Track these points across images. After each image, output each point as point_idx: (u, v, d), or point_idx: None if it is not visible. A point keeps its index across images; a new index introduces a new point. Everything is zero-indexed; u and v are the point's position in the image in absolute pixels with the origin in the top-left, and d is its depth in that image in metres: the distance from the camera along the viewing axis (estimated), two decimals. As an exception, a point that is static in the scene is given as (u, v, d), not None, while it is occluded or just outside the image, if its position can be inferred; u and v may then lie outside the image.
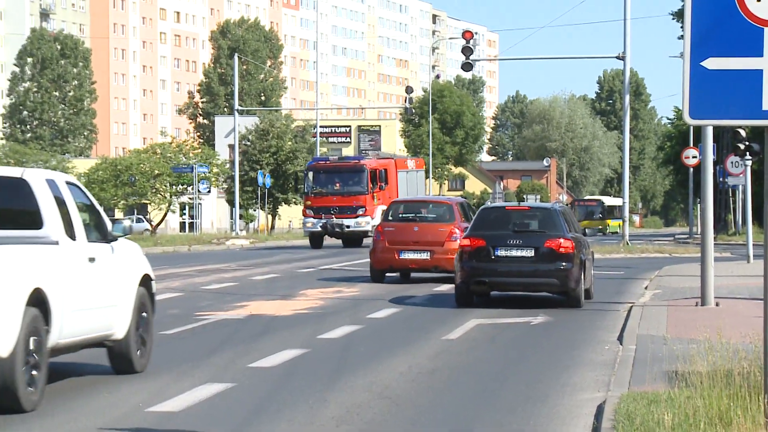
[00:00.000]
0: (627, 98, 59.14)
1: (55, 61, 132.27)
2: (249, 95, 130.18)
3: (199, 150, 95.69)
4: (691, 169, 69.31)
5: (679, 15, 77.77)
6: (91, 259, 14.04)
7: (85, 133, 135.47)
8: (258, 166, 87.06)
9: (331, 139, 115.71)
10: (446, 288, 30.01)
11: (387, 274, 32.01)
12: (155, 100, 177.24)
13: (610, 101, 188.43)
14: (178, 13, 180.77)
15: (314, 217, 55.60)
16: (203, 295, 27.78)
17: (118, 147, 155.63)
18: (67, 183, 14.28)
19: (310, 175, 57.32)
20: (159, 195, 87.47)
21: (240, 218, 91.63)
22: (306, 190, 57.66)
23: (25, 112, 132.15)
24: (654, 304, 23.74)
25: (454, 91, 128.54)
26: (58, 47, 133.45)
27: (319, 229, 55.30)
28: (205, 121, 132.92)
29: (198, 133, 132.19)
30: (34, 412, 12.10)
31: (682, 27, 55.35)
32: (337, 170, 56.67)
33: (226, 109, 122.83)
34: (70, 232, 13.66)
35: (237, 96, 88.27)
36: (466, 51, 52.66)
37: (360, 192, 55.28)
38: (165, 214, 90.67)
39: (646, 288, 29.19)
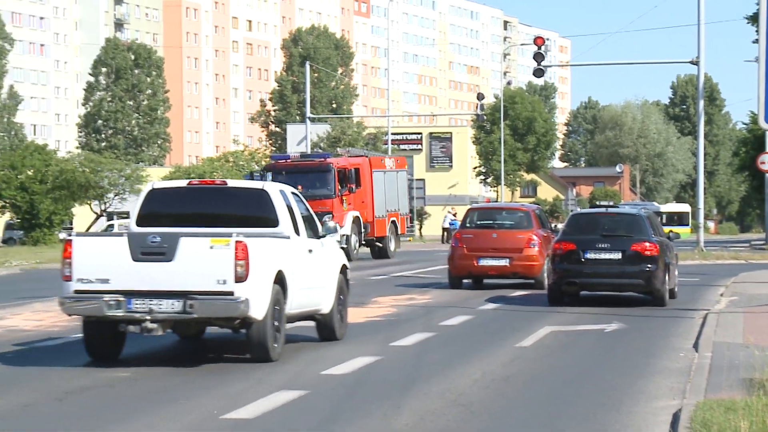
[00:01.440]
0: (701, 103, 57.90)
1: (129, 70, 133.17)
2: (320, 103, 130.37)
3: (269, 158, 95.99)
4: (767, 175, 68.55)
5: (754, 19, 76.88)
6: (310, 251, 18.57)
7: (159, 142, 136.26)
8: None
9: (402, 146, 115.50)
10: (519, 294, 29.98)
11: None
12: (228, 109, 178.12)
13: (684, 106, 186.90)
14: (250, 21, 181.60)
15: None
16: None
17: (191, 155, 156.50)
18: (292, 193, 18.89)
19: (269, 176, 46.43)
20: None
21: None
22: None
23: (100, 122, 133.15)
24: (730, 311, 23.54)
25: (525, 97, 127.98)
26: (132, 57, 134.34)
27: None
28: (278, 129, 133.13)
29: (270, 141, 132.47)
30: (139, 424, 12.21)
31: (757, 31, 54.69)
32: (298, 170, 47.27)
33: (298, 117, 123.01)
34: (296, 230, 18.15)
35: (309, 104, 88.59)
36: (538, 57, 51.55)
37: (326, 195, 46.62)
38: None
39: (721, 295, 28.84)
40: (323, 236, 19.30)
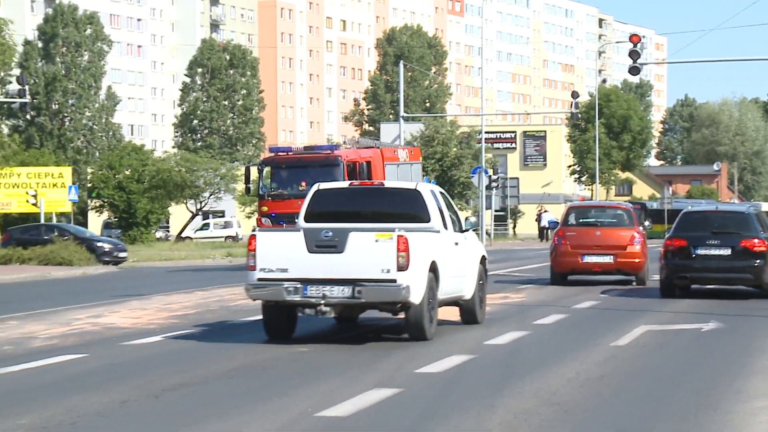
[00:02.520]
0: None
1: (225, 70, 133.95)
2: (414, 102, 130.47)
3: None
4: None
5: None
6: (456, 243, 20.82)
7: (253, 141, 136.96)
8: (424, 172, 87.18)
9: (496, 145, 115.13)
10: (614, 294, 29.83)
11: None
12: (322, 108, 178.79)
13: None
14: (344, 21, 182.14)
15: (272, 228, 38.00)
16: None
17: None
18: (440, 192, 21.28)
19: (267, 171, 42.35)
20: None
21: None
22: (260, 192, 41.75)
23: (196, 122, 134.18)
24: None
25: (621, 95, 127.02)
26: (227, 57, 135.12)
27: None
28: (371, 128, 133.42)
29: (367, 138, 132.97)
30: (234, 422, 12.27)
31: None
32: (302, 164, 41.20)
33: (391, 116, 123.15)
34: (445, 225, 20.35)
35: (402, 103, 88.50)
36: (634, 55, 50.56)
37: None
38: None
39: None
40: (466, 230, 21.73)
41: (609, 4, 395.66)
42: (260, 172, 41.67)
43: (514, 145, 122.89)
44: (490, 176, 74.51)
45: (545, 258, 39.51)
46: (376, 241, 18.50)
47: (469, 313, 21.69)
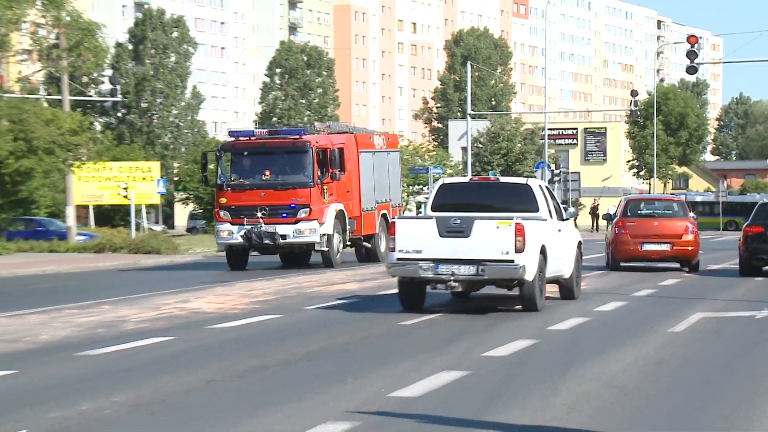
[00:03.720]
0: None
1: (302, 70, 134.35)
2: (480, 100, 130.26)
3: (434, 152, 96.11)
4: None
5: None
6: (559, 230, 22.98)
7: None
8: (489, 167, 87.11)
9: (558, 141, 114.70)
10: (671, 282, 29.73)
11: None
12: (393, 106, 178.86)
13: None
14: (414, 24, 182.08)
15: (232, 222, 33.76)
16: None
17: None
18: (545, 186, 23.77)
19: (227, 158, 34.96)
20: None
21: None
22: (219, 181, 34.55)
23: (275, 119, 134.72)
24: None
25: (678, 93, 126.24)
26: (305, 58, 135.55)
27: (239, 240, 33.66)
28: (440, 125, 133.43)
29: (433, 137, 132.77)
30: (311, 402, 12.34)
31: None
32: (266, 151, 34.33)
33: (459, 114, 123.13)
34: (550, 214, 22.50)
35: (469, 101, 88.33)
36: (691, 55, 50.17)
37: (302, 183, 33.58)
38: (402, 212, 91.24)
39: None
40: (567, 219, 24.14)
41: (667, 7, 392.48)
42: (218, 158, 34.44)
43: (575, 141, 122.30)
44: (552, 171, 74.20)
45: (601, 248, 39.58)
46: (497, 227, 20.49)
47: (568, 289, 23.93)
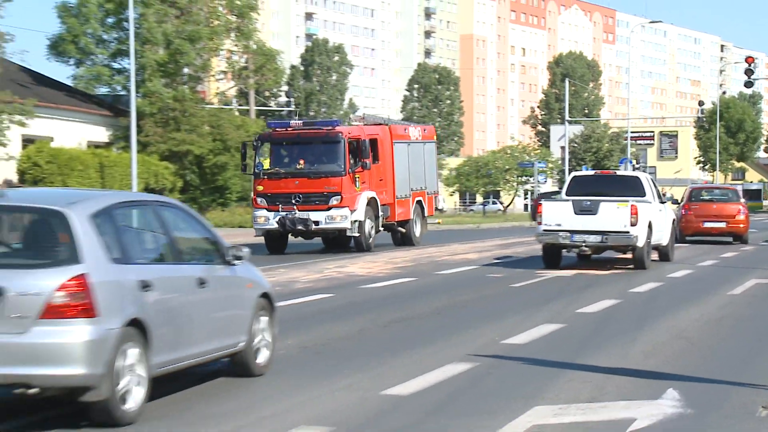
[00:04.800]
0: None
1: (434, 86, 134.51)
2: (576, 109, 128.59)
3: (538, 151, 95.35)
4: None
5: None
6: (659, 210, 24.38)
7: (455, 139, 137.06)
8: (582, 162, 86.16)
9: (638, 142, 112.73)
10: (730, 255, 29.21)
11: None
12: (505, 114, 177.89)
13: None
14: (523, 49, 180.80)
15: (268, 209, 28.96)
16: (537, 257, 27.65)
17: (478, 149, 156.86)
18: (650, 178, 25.28)
19: (264, 147, 30.28)
20: (509, 184, 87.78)
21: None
22: (256, 170, 29.51)
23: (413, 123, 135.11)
24: None
25: (737, 103, 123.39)
26: (436, 76, 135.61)
27: (275, 225, 28.86)
28: (543, 129, 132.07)
29: (538, 138, 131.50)
30: (440, 346, 12.32)
31: None
32: (300, 141, 29.32)
33: (558, 120, 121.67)
34: (654, 199, 24.24)
35: (567, 110, 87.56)
36: (748, 72, 49.05)
37: (333, 172, 28.51)
38: (513, 198, 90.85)
39: None
40: (665, 202, 25.67)
41: (730, 33, 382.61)
42: (256, 148, 29.62)
43: (652, 141, 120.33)
44: (633, 165, 73.08)
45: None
46: (617, 207, 22.42)
47: (665, 254, 25.57)
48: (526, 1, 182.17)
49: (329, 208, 28.37)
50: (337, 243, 31.03)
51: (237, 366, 9.97)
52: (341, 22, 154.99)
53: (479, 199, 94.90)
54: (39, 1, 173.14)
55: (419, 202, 32.95)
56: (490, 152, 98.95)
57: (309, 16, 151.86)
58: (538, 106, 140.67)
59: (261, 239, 29.62)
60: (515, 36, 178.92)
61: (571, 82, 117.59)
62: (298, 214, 28.34)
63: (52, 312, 7.57)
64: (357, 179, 28.73)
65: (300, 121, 29.80)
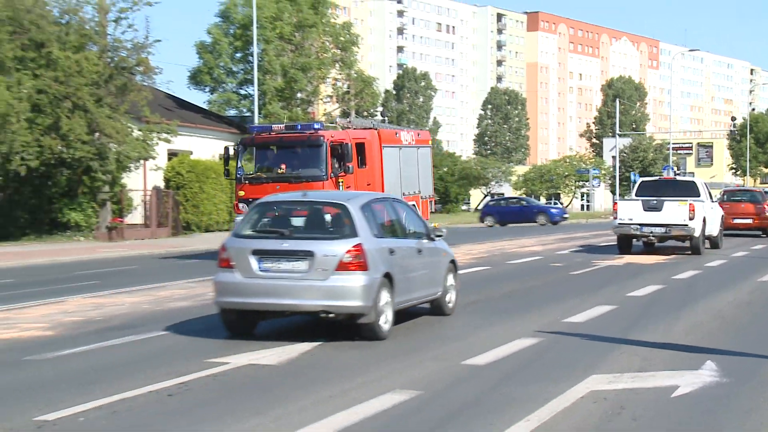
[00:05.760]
0: None
1: (504, 106, 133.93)
2: (625, 124, 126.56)
3: (593, 159, 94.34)
4: None
5: None
6: (711, 208, 25.22)
7: (522, 150, 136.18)
8: (630, 169, 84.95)
9: (678, 151, 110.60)
10: (760, 247, 28.55)
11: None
12: (565, 129, 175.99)
13: None
14: (580, 74, 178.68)
15: None
16: (597, 249, 27.33)
17: (542, 158, 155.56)
18: (704, 182, 25.95)
19: (247, 152, 24.76)
20: (568, 188, 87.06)
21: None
22: (238, 175, 24.00)
23: (486, 138, 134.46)
24: None
25: (765, 118, 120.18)
26: (506, 98, 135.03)
27: None
28: (597, 141, 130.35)
29: (592, 149, 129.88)
30: (510, 324, 12.23)
31: None
32: (282, 145, 23.69)
33: (610, 134, 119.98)
34: (707, 199, 25.39)
35: (617, 125, 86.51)
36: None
37: (315, 177, 23.07)
38: (571, 200, 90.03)
39: None
40: (714, 202, 26.52)
41: (758, 59, 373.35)
42: (238, 153, 24.00)
43: (691, 151, 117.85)
44: (674, 171, 71.77)
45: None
46: (679, 205, 23.59)
47: (715, 243, 26.00)
48: (583, 34, 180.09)
49: None
50: None
51: (434, 308, 12.52)
52: (427, 53, 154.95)
53: (542, 200, 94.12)
54: (181, 41, 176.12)
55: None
56: (552, 161, 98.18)
57: (400, 49, 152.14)
58: (593, 122, 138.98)
59: None
60: (573, 63, 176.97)
61: (621, 102, 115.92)
62: None
63: (342, 267, 10.16)
64: (340, 184, 23.13)
65: (282, 125, 24.09)
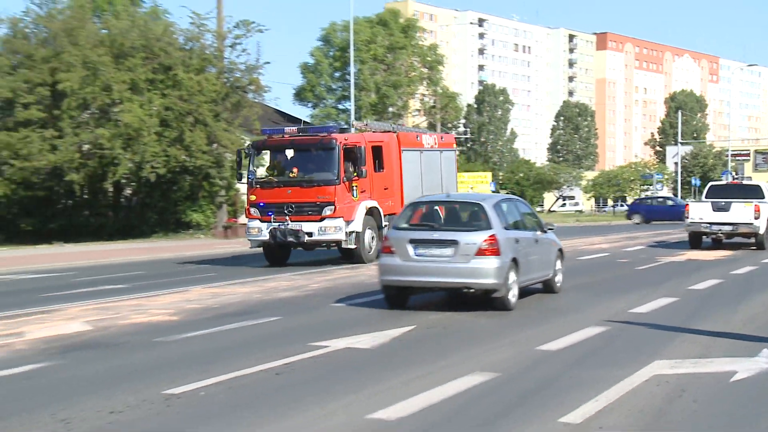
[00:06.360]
0: None
1: (575, 118, 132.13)
2: (686, 133, 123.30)
3: (656, 165, 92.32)
4: None
5: None
6: None
7: (591, 157, 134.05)
8: (692, 174, 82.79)
9: (737, 158, 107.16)
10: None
11: None
12: (630, 138, 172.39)
13: None
14: (645, 88, 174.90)
15: (261, 219, 20.34)
16: (661, 246, 26.67)
17: (609, 164, 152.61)
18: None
19: (259, 155, 21.69)
20: (633, 191, 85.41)
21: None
22: (249, 179, 20.62)
23: (558, 146, 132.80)
24: None
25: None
26: (577, 110, 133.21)
27: (266, 237, 20.21)
28: (660, 149, 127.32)
29: (656, 156, 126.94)
30: (583, 314, 12.05)
31: None
32: (294, 148, 20.57)
33: (673, 142, 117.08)
34: None
35: (680, 134, 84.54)
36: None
37: (327, 181, 19.91)
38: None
39: None
40: None
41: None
42: (250, 156, 20.74)
43: (748, 158, 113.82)
44: (733, 176, 69.60)
45: None
46: (745, 206, 23.55)
47: (761, 244, 24.49)
48: (647, 52, 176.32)
49: (322, 219, 19.72)
50: (345, 253, 21.27)
51: (546, 287, 13.84)
52: (505, 71, 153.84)
53: (610, 202, 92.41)
54: (286, 62, 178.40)
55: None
56: (619, 167, 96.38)
57: (481, 67, 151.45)
58: (657, 132, 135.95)
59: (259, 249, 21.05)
60: (638, 79, 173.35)
61: (683, 113, 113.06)
62: (290, 225, 19.73)
63: (480, 252, 11.53)
64: (354, 188, 20.04)
65: (294, 128, 20.86)
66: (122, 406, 6.66)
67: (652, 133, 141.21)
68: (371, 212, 20.65)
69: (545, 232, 13.54)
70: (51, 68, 31.54)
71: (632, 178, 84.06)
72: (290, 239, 19.71)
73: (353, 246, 19.99)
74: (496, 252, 11.49)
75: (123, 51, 32.86)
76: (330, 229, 19.69)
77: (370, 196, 20.63)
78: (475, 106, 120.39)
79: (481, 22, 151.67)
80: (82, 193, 33.98)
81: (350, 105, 43.16)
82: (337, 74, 58.46)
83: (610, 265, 20.13)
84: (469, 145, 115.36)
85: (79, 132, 31.58)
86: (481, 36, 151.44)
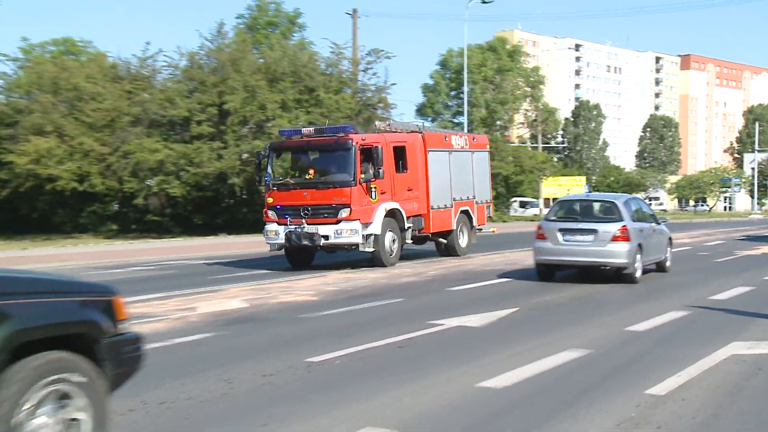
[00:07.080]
0: None
1: (660, 129, 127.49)
2: (763, 142, 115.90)
3: (734, 170, 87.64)
4: None
5: None
6: None
7: (674, 163, 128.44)
8: (767, 179, 78.09)
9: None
10: None
11: None
12: (711, 146, 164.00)
13: None
14: (725, 102, 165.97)
15: (278, 222, 16.25)
16: (738, 241, 25.18)
17: (691, 170, 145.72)
18: None
19: (276, 157, 17.23)
20: (713, 193, 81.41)
21: (757, 204, 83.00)
22: (266, 181, 16.56)
23: (645, 153, 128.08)
24: None
25: None
26: (662, 123, 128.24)
27: (283, 240, 16.13)
28: (738, 156, 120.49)
29: (734, 162, 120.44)
30: (658, 303, 11.51)
31: None
32: (310, 149, 16.53)
33: (750, 149, 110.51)
34: None
35: (757, 143, 79.95)
36: None
37: (343, 182, 15.77)
38: (715, 203, 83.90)
39: None
40: None
41: None
42: (267, 158, 17.05)
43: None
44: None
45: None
46: None
47: None
48: (728, 71, 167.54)
49: (338, 222, 16.07)
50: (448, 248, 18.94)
51: (659, 268, 14.84)
52: (598, 89, 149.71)
53: (691, 203, 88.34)
54: (409, 83, 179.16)
55: (465, 212, 19.33)
56: (700, 172, 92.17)
57: (577, 86, 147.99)
58: (735, 141, 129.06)
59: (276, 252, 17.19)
60: (719, 94, 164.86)
61: (760, 124, 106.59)
62: (306, 228, 16.16)
63: (615, 239, 12.81)
64: (373, 189, 16.26)
65: (311, 129, 17.13)
66: (272, 371, 6.80)
67: (730, 141, 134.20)
68: (392, 214, 16.77)
69: (659, 224, 14.56)
70: (219, 92, 32.80)
71: (712, 181, 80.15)
72: (305, 242, 16.09)
73: (371, 249, 16.25)
74: (627, 239, 12.76)
75: (276, 76, 33.81)
76: (346, 232, 15.96)
77: (391, 198, 16.83)
78: (572, 119, 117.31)
79: (577, 47, 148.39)
80: (241, 193, 35.16)
81: (464, 119, 43.07)
82: (452, 93, 58.48)
83: (691, 258, 19.17)
84: (566, 153, 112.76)
85: (240, 143, 32.71)
86: (578, 59, 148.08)
